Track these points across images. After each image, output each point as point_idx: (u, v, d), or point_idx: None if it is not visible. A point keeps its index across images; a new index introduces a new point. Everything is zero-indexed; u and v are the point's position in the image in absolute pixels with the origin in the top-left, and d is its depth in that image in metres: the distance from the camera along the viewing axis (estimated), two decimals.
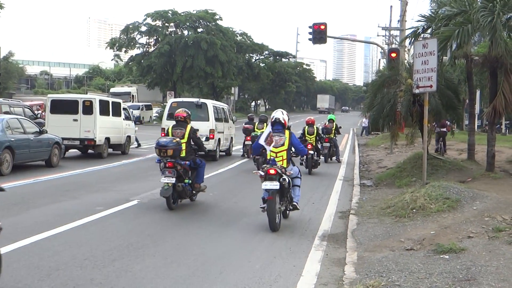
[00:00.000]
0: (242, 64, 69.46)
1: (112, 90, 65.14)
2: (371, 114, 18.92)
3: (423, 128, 13.69)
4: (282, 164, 9.60)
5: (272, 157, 9.64)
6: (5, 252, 7.31)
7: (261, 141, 9.86)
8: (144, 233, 8.88)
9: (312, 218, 10.75)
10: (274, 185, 9.22)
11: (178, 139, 10.99)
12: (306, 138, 18.40)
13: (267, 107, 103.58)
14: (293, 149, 10.04)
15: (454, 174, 14.81)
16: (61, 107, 20.56)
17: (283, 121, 9.89)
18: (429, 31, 15.91)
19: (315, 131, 18.81)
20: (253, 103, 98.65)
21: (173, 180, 10.58)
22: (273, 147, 9.67)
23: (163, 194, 10.63)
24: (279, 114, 10.02)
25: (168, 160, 10.75)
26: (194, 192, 11.58)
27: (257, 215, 10.65)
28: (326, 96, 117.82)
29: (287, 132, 9.89)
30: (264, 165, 9.62)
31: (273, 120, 9.95)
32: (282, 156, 9.66)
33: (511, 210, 9.55)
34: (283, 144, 9.71)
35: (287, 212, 10.34)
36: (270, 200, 9.18)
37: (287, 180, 9.45)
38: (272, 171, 9.29)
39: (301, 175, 10.34)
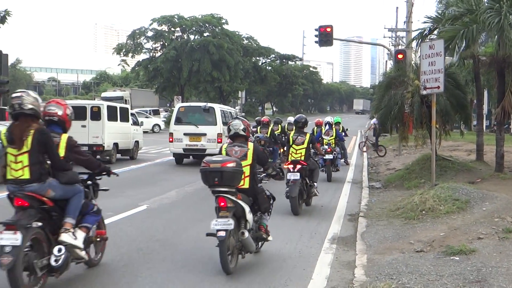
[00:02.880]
0: (249, 67, 69.45)
1: (103, 94, 60.50)
2: (378, 116, 18.91)
3: (431, 129, 13.65)
4: (333, 145, 18.11)
5: (329, 142, 18.09)
6: None
7: (322, 134, 18.44)
8: (153, 238, 8.91)
9: (321, 221, 10.74)
10: (330, 156, 16.91)
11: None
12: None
13: (274, 110, 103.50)
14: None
15: (463, 175, 14.74)
16: None
17: (331, 123, 19.04)
18: (435, 32, 15.87)
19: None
20: (260, 107, 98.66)
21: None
22: (330, 137, 18.41)
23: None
24: (329, 119, 19.62)
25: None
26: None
27: None
28: (360, 100, 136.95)
29: (334, 129, 18.92)
30: (322, 147, 16.70)
31: (325, 122, 19.23)
32: (331, 142, 18.36)
33: None
34: (332, 135, 18.60)
35: (335, 170, 18.00)
36: (328, 164, 17.01)
37: (336, 154, 17.97)
38: (328, 150, 16.93)
39: (340, 152, 19.39)
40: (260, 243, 7.97)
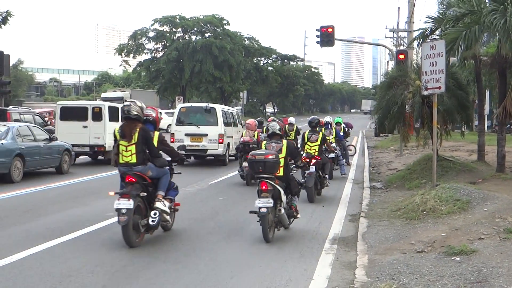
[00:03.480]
0: (250, 67, 69.50)
1: (103, 95, 59.49)
2: (377, 116, 18.86)
3: (432, 129, 13.64)
4: (334, 144, 17.76)
5: (331, 141, 17.46)
6: (18, 259, 7.39)
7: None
8: (154, 238, 8.91)
9: (322, 221, 10.74)
10: (332, 155, 16.48)
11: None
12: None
13: (276, 110, 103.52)
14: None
15: (464, 176, 14.74)
16: (71, 114, 20.66)
17: (330, 122, 19.49)
18: (437, 32, 15.86)
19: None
20: (262, 107, 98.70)
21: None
22: (331, 136, 18.33)
23: None
24: (328, 118, 19.94)
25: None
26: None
27: None
28: (368, 101, 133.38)
29: (334, 128, 19.37)
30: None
31: (325, 122, 18.90)
32: (333, 141, 18.08)
33: None
34: (332, 134, 18.73)
35: (336, 169, 18.52)
36: (331, 162, 16.30)
37: (337, 153, 18.00)
38: (332, 149, 16.38)
39: (340, 151, 19.10)
40: (291, 220, 9.64)
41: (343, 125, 22.72)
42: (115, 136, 8.58)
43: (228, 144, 21.49)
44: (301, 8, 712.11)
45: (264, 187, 8.78)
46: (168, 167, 9.09)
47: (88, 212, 10.92)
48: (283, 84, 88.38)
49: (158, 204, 8.47)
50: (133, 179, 8.28)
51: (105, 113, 20.38)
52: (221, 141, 20.48)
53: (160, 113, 9.14)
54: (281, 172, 9.21)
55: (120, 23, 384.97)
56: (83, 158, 21.36)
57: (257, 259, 7.79)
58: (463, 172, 15.23)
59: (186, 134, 20.56)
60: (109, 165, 20.70)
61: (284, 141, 9.71)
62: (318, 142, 13.82)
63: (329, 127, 19.10)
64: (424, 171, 15.71)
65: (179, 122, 21.14)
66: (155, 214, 8.32)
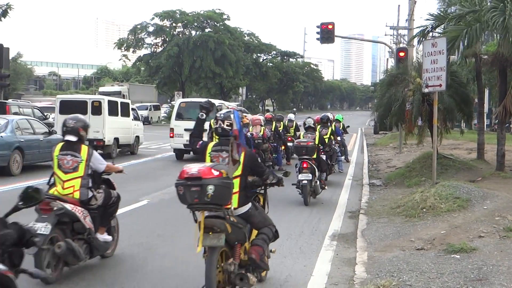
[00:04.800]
0: (249, 63, 69.35)
1: (101, 89, 59.44)
2: (377, 113, 18.93)
3: (432, 127, 13.63)
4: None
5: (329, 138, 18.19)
6: None
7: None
8: (154, 233, 8.91)
9: (322, 218, 10.74)
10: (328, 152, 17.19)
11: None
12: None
13: (275, 107, 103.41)
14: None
15: (464, 174, 14.73)
16: (70, 108, 20.57)
17: (331, 119, 18.15)
18: (438, 30, 15.84)
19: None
20: (261, 103, 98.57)
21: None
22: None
23: None
24: (329, 115, 18.74)
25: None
26: None
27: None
28: None
29: (333, 125, 18.70)
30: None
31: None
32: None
33: None
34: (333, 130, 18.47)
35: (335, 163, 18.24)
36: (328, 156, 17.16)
37: (335, 149, 17.89)
38: (336, 141, 18.00)
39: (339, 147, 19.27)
40: (320, 190, 12.66)
41: (342, 122, 22.76)
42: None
43: None
44: (301, 5, 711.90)
45: (305, 165, 11.79)
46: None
47: None
48: (282, 80, 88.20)
49: None
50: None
51: (105, 107, 20.34)
52: None
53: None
54: (314, 155, 12.31)
55: (120, 17, 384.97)
56: None
57: None
58: (462, 170, 15.22)
59: (185, 129, 20.48)
60: (108, 159, 20.69)
61: (317, 133, 13.72)
62: (328, 135, 16.10)
63: (329, 123, 19.06)
64: (423, 169, 15.70)
65: (179, 117, 21.13)
66: None
